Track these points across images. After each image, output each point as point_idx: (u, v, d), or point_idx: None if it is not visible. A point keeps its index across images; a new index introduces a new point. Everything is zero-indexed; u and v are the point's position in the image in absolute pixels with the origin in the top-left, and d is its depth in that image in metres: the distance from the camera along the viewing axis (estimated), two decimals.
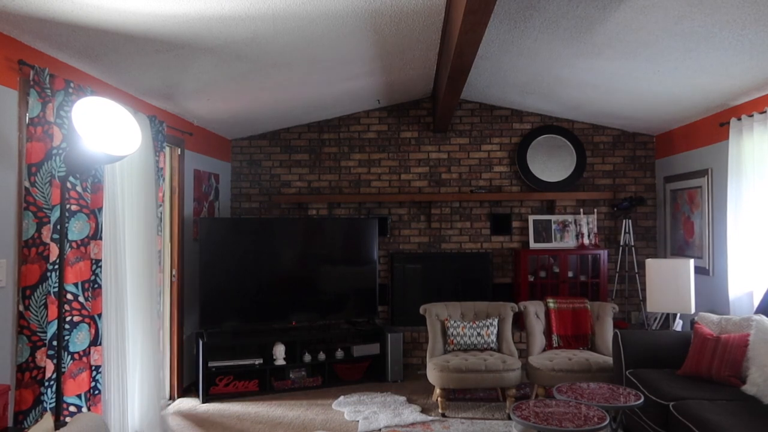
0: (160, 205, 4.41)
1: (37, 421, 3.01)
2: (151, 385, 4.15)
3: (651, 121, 5.88)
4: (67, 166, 2.83)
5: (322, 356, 5.60)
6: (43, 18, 2.87)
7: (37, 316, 3.06)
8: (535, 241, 6.16)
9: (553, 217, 6.19)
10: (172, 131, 4.94)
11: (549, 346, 5.00)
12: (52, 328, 3.07)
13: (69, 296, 3.25)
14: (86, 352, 3.39)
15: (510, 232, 6.38)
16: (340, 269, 5.86)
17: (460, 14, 2.98)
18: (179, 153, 5.15)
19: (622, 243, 6.12)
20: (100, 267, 3.53)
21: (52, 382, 3.04)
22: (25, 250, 3.03)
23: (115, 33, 3.17)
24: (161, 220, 4.45)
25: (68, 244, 3.24)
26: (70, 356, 3.27)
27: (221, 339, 5.33)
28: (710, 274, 5.18)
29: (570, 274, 6.12)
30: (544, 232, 6.19)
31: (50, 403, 3.02)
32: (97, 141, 2.72)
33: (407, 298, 6.21)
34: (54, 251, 3.08)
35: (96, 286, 3.48)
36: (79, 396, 3.33)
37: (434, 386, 4.95)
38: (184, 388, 5.29)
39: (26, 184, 3.03)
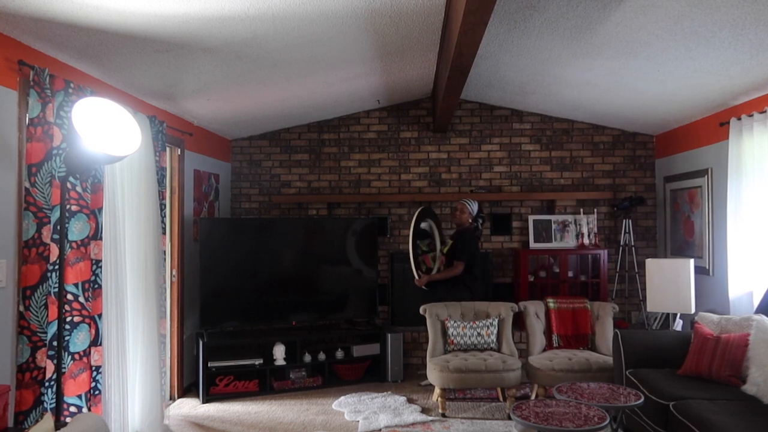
0: (163, 206, 4.41)
1: (37, 421, 3.01)
2: (151, 385, 4.15)
3: (651, 121, 5.88)
4: (67, 167, 2.83)
5: (322, 356, 5.60)
6: (43, 18, 2.87)
7: (37, 317, 3.06)
8: (535, 241, 6.16)
9: (553, 217, 6.19)
10: (172, 131, 4.94)
11: (549, 346, 5.00)
12: (53, 329, 3.07)
13: (69, 296, 3.25)
14: (86, 353, 3.39)
15: (510, 232, 6.38)
16: (340, 269, 5.86)
17: (460, 14, 2.98)
18: (179, 153, 5.15)
19: (622, 243, 6.12)
20: (101, 267, 3.53)
21: (52, 383, 3.04)
22: (25, 251, 3.03)
23: (115, 33, 3.17)
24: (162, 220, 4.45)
25: (68, 245, 3.24)
26: (70, 356, 3.27)
27: (221, 339, 5.33)
28: (710, 274, 5.18)
29: (570, 274, 6.12)
30: (544, 232, 6.19)
31: (50, 404, 3.02)
32: (97, 141, 2.72)
33: (407, 298, 6.20)
34: (54, 251, 3.08)
35: (96, 286, 3.48)
36: (79, 396, 3.33)
37: (434, 386, 4.95)
38: (185, 388, 5.29)
39: (26, 184, 3.03)
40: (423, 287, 5.38)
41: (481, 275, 5.55)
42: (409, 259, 5.47)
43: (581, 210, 6.18)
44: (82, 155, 2.75)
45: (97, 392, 3.51)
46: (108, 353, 3.65)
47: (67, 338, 3.25)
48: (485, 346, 4.95)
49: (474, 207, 5.40)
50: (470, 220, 5.39)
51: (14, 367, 3.01)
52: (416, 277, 5.37)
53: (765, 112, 4.22)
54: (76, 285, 3.29)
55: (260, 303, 5.57)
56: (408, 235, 5.54)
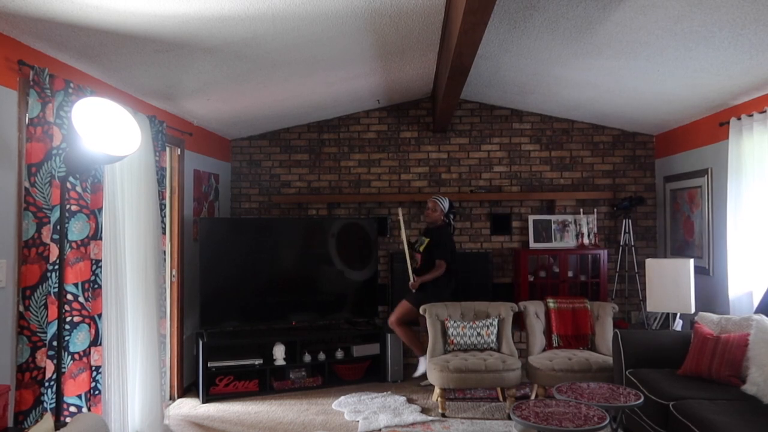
0: (163, 206, 4.41)
1: (37, 421, 3.01)
2: (151, 385, 4.15)
3: (651, 121, 5.88)
4: (67, 167, 2.83)
5: (322, 356, 5.60)
6: (43, 18, 2.87)
7: (37, 317, 3.06)
8: (535, 241, 6.16)
9: (553, 217, 6.19)
10: (172, 131, 4.94)
11: (549, 345, 5.00)
12: (52, 329, 3.07)
13: (69, 296, 3.25)
14: (86, 353, 3.39)
15: (510, 232, 6.38)
16: (339, 269, 5.86)
17: (460, 14, 2.98)
18: (179, 153, 5.15)
19: (622, 243, 6.12)
20: (100, 267, 3.53)
21: (52, 383, 3.04)
22: (25, 251, 3.03)
23: (115, 33, 3.17)
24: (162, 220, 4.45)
25: (68, 245, 3.24)
26: (70, 356, 3.27)
27: (221, 339, 5.33)
28: (710, 274, 5.18)
29: (570, 273, 6.12)
30: (544, 232, 6.19)
31: (50, 404, 3.02)
32: (97, 141, 2.72)
33: None
34: (54, 251, 3.08)
35: (96, 286, 3.48)
36: (79, 396, 3.33)
37: (434, 386, 4.95)
38: (185, 388, 5.29)
39: (26, 184, 3.03)
40: (414, 290, 5.42)
41: (455, 273, 5.56)
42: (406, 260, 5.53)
43: (581, 210, 6.18)
44: (82, 155, 2.75)
45: (97, 392, 3.50)
46: (108, 353, 3.64)
47: (66, 338, 3.25)
48: (485, 346, 4.95)
49: (446, 204, 5.45)
50: (442, 217, 5.42)
51: (14, 367, 3.01)
52: (411, 280, 5.41)
53: (765, 111, 4.22)
54: (75, 285, 3.29)
55: (260, 303, 5.57)
56: (401, 237, 5.58)
